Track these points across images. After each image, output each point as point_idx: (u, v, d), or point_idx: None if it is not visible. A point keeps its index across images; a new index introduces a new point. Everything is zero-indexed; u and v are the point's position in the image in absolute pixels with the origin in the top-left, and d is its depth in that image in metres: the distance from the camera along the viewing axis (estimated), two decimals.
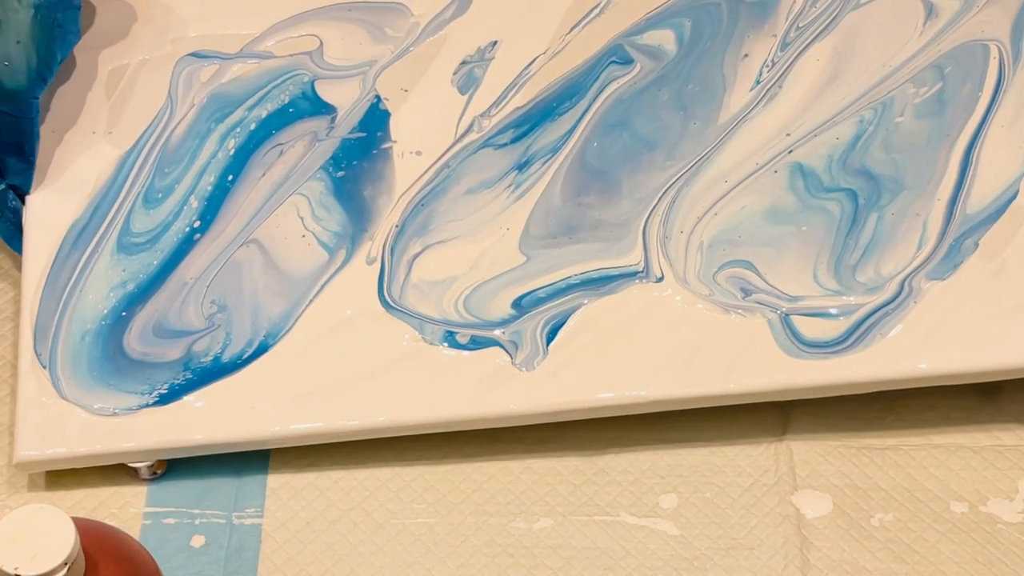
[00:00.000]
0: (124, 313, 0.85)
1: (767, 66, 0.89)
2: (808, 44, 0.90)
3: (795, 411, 0.86)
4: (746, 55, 0.90)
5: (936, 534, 0.82)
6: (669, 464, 0.85)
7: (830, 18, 0.90)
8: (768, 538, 0.82)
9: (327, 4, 0.92)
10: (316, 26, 0.91)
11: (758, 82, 0.89)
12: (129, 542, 0.72)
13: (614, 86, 0.89)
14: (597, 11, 0.91)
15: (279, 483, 0.84)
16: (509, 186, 0.87)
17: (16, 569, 0.65)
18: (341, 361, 0.83)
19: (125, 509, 0.83)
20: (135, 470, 0.83)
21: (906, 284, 0.84)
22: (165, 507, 0.83)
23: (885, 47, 0.90)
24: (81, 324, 0.84)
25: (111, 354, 0.84)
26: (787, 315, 0.83)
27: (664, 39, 0.90)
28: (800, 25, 0.90)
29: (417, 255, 0.86)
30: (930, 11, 0.91)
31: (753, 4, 0.91)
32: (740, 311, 0.83)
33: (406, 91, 0.89)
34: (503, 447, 0.85)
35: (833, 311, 0.83)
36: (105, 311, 0.85)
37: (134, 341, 0.84)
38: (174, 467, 0.84)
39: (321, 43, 0.91)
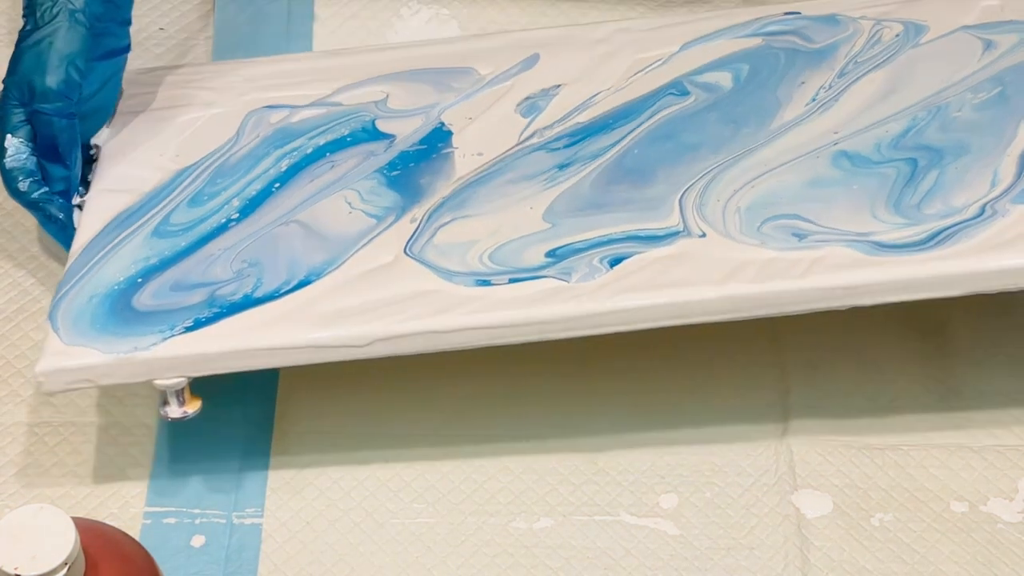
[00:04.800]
0: (140, 280, 0.83)
1: (824, 88, 0.88)
2: (866, 72, 0.89)
3: (795, 411, 0.86)
4: (803, 82, 0.89)
5: (936, 534, 0.82)
6: (669, 464, 0.85)
7: (889, 55, 0.89)
8: (768, 538, 0.82)
9: (396, 70, 0.92)
10: (384, 84, 0.91)
11: (814, 99, 0.88)
12: (129, 542, 0.72)
13: (668, 111, 0.88)
14: (660, 63, 0.91)
15: (279, 483, 0.84)
16: (545, 180, 0.86)
17: (16, 569, 0.65)
18: (384, 290, 0.80)
19: (125, 509, 0.84)
20: (164, 407, 0.80)
21: (987, 207, 0.81)
22: (165, 507, 0.83)
23: (943, 70, 0.89)
24: (93, 288, 0.83)
25: (118, 308, 0.81)
26: (858, 241, 0.80)
27: (721, 78, 0.90)
28: (859, 60, 0.89)
29: (445, 224, 0.84)
30: (988, 45, 0.89)
31: (811, 52, 0.90)
32: (803, 250, 0.80)
33: (470, 119, 0.89)
34: (503, 447, 0.85)
35: (907, 233, 0.80)
36: (121, 279, 0.83)
37: (146, 298, 0.82)
38: (174, 467, 0.84)
39: (387, 95, 0.91)
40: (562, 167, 0.87)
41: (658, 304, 0.79)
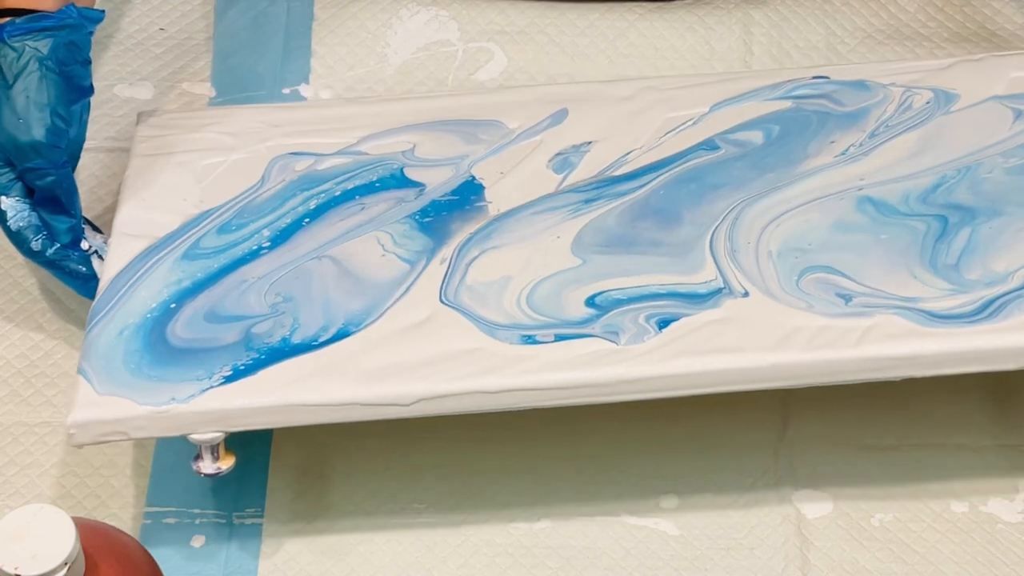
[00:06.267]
0: (173, 305, 0.81)
1: (854, 146, 0.88)
2: (897, 135, 0.88)
3: (795, 411, 0.86)
4: (832, 141, 0.88)
5: (936, 534, 0.83)
6: (669, 464, 0.85)
7: (920, 120, 0.89)
8: (768, 538, 0.82)
9: (422, 120, 0.91)
10: (409, 135, 0.90)
11: (844, 154, 0.87)
12: (129, 542, 0.73)
13: (697, 160, 0.88)
14: (691, 123, 0.90)
15: (279, 483, 0.84)
16: (570, 211, 0.85)
17: (16, 569, 0.65)
18: (426, 345, 0.79)
19: (125, 509, 0.84)
20: (198, 461, 0.79)
21: None
22: (165, 507, 0.83)
23: (974, 136, 0.88)
24: (123, 319, 0.80)
25: (151, 344, 0.79)
26: (908, 308, 0.79)
27: (753, 136, 0.89)
28: (890, 124, 0.89)
29: (475, 259, 0.83)
30: (1019, 115, 0.89)
31: (842, 115, 0.90)
32: (853, 317, 0.79)
33: (502, 173, 0.88)
34: (503, 447, 0.85)
35: (957, 302, 0.79)
36: (153, 305, 0.81)
37: (180, 329, 0.80)
38: (174, 467, 0.84)
39: (414, 145, 0.90)
40: (587, 201, 0.86)
41: (712, 371, 0.78)
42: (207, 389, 0.77)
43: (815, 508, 0.83)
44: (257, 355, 0.79)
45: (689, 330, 0.79)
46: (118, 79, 1.02)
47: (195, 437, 0.78)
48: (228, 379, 0.78)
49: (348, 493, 0.84)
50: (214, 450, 0.78)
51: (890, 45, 1.03)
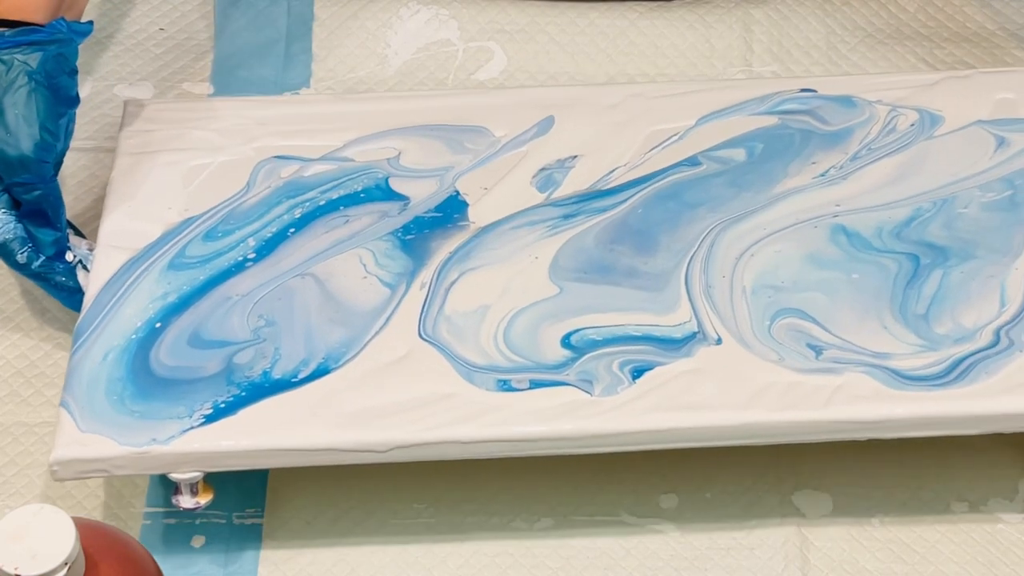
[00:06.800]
0: (158, 324, 0.81)
1: (835, 168, 0.88)
2: (879, 159, 0.89)
3: None
4: (814, 162, 0.88)
5: (936, 534, 0.83)
6: (669, 464, 0.85)
7: (903, 144, 0.89)
8: (768, 538, 0.82)
9: (407, 124, 0.91)
10: (395, 140, 0.90)
11: (823, 175, 0.88)
12: (129, 542, 0.73)
13: (677, 176, 0.88)
14: (676, 138, 0.90)
15: (279, 483, 0.84)
16: (548, 227, 0.86)
17: (16, 569, 0.65)
18: (404, 387, 0.79)
19: (125, 509, 0.84)
20: (177, 496, 0.79)
21: (1002, 334, 0.81)
22: (165, 507, 0.83)
23: (955, 164, 0.88)
24: (108, 341, 0.81)
25: (135, 372, 0.80)
26: (877, 367, 0.80)
27: (735, 154, 0.89)
28: (873, 147, 0.89)
29: (454, 282, 0.83)
30: (1001, 142, 0.89)
31: (826, 135, 0.90)
32: (822, 373, 0.80)
33: (485, 189, 0.88)
34: None
35: (925, 361, 0.80)
36: (139, 324, 0.81)
37: (164, 354, 0.80)
38: None
39: (399, 152, 0.90)
40: (567, 217, 0.86)
41: (682, 427, 0.79)
42: (187, 430, 0.78)
43: (815, 508, 0.84)
44: (238, 391, 0.79)
45: (662, 381, 0.79)
46: (118, 79, 1.02)
47: (174, 476, 0.78)
48: (208, 418, 0.78)
49: (348, 492, 0.84)
50: (193, 487, 0.79)
51: (890, 44, 1.03)
